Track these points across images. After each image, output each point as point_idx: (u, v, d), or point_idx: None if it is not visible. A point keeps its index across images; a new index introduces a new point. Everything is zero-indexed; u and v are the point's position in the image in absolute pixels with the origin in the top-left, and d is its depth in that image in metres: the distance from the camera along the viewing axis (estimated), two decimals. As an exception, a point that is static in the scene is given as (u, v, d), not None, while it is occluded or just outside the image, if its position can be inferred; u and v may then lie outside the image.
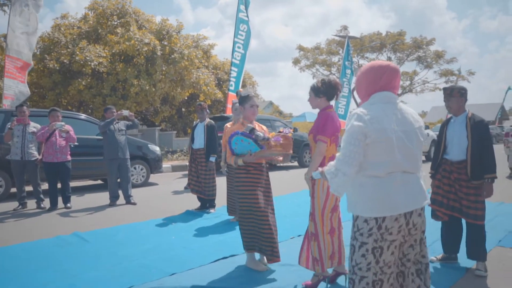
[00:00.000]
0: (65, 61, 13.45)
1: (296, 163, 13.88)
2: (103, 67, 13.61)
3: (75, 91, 13.49)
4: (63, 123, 6.54)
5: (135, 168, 9.01)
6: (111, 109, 6.98)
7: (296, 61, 30.66)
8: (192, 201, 6.73)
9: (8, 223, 5.67)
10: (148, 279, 3.41)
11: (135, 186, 8.65)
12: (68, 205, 6.66)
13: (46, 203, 6.71)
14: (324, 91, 3.10)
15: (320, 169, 2.27)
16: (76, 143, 7.07)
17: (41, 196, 6.71)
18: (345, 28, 29.58)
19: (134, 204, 6.94)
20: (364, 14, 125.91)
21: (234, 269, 3.63)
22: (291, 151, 3.60)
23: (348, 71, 18.44)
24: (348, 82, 18.50)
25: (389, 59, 29.94)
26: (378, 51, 30.04)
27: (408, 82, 31.79)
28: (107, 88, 13.75)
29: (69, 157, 6.67)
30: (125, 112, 6.78)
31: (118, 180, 7.13)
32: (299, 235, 4.67)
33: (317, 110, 3.21)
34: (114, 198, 6.97)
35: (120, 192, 7.07)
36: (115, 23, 15.06)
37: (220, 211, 6.12)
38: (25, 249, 4.31)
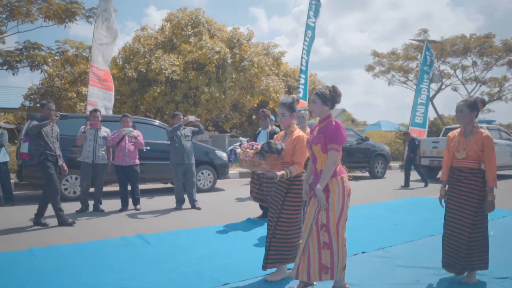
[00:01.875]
0: (142, 69, 14.23)
1: (367, 173, 13.24)
2: (176, 75, 14.17)
3: (151, 98, 14.20)
4: (131, 129, 6.82)
5: (202, 173, 9.18)
6: (178, 115, 7.15)
7: (369, 68, 29.56)
8: (254, 209, 6.64)
9: (79, 222, 6.00)
10: (201, 286, 3.34)
11: (201, 191, 8.79)
12: (138, 206, 6.92)
13: (103, 206, 6.93)
14: (331, 100, 3.09)
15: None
16: (147, 148, 7.32)
17: (101, 199, 6.93)
18: (424, 31, 27.90)
19: (199, 209, 7.02)
20: (447, 18, 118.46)
21: (291, 283, 3.43)
22: (257, 169, 3.46)
23: (426, 77, 17.27)
24: (427, 89, 17.33)
25: (474, 64, 27.65)
26: (461, 55, 27.90)
27: (497, 89, 29.11)
28: (180, 95, 14.28)
29: (137, 161, 6.93)
30: (191, 118, 6.90)
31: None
32: (363, 252, 4.33)
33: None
34: (179, 202, 7.12)
35: (185, 196, 7.19)
36: (189, 33, 15.64)
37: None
38: (92, 247, 4.49)
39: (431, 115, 26.26)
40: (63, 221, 5.72)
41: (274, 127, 6.25)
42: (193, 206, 7.09)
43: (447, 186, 3.69)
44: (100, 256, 4.19)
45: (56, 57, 10.70)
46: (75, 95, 15.17)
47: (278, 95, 16.93)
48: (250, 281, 3.49)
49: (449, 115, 35.71)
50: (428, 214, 6.45)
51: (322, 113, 3.11)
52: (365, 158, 12.49)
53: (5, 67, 10.40)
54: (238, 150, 3.59)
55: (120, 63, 15.59)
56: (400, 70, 29.36)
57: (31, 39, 10.16)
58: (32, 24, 10.96)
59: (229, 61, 14.71)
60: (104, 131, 6.97)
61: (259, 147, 3.44)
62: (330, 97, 3.08)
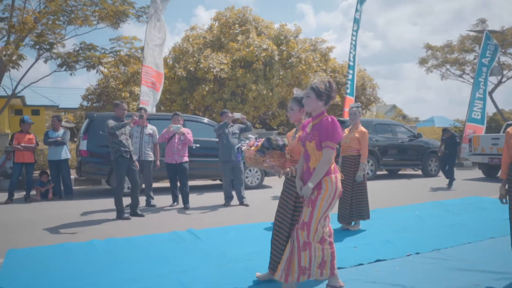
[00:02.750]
0: (191, 68, 14.57)
1: (419, 172, 12.74)
2: (224, 73, 14.38)
3: (199, 96, 14.52)
4: (179, 126, 6.97)
5: (249, 170, 9.25)
6: (226, 113, 7.25)
7: (422, 61, 28.30)
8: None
9: (134, 217, 6.26)
10: (252, 282, 3.37)
11: (249, 188, 8.86)
12: (187, 205, 7.10)
13: (155, 201, 7.20)
14: (326, 95, 2.97)
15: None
16: (197, 145, 7.45)
17: (151, 194, 7.21)
18: (482, 21, 26.27)
19: (247, 205, 7.08)
20: (507, 6, 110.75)
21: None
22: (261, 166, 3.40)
23: (485, 70, 16.26)
24: (484, 82, 16.32)
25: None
26: (526, 45, 25.99)
27: None
28: (228, 93, 14.47)
29: (186, 158, 7.09)
30: (237, 115, 6.94)
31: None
32: (417, 253, 4.16)
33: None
34: (228, 199, 7.22)
35: (234, 193, 7.29)
36: (237, 31, 15.80)
37: (330, 217, 5.83)
38: (146, 241, 4.67)
39: (490, 110, 24.73)
40: (121, 216, 6.03)
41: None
42: (241, 203, 7.17)
43: (507, 185, 3.46)
44: (154, 249, 4.35)
45: (110, 58, 11.21)
46: (128, 95, 15.84)
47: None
48: (299, 279, 3.46)
49: (510, 109, 33.46)
50: (488, 215, 6.08)
51: (316, 108, 2.98)
52: (417, 156, 12.02)
53: (63, 68, 11.07)
54: (244, 148, 3.56)
55: (170, 62, 16.08)
56: (455, 63, 27.89)
57: (86, 41, 10.70)
58: (90, 27, 11.51)
59: (276, 58, 14.70)
60: (150, 128, 7.21)
61: (259, 144, 3.40)
62: (325, 92, 2.96)
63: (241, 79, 14.32)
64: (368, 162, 10.59)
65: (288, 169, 3.22)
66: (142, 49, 11.00)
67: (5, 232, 5.22)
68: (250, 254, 4.14)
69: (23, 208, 7.05)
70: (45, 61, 11.04)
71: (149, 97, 11.16)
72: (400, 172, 13.23)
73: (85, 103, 17.98)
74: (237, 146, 6.78)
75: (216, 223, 5.67)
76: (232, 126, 7.19)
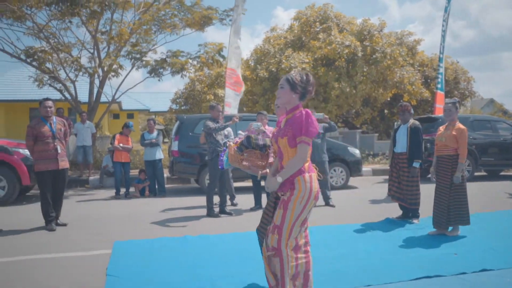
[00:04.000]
0: (273, 69, 14.71)
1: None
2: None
3: (282, 96, 14.61)
4: (260, 123, 7.03)
5: (334, 170, 9.07)
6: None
7: (526, 49, 25.33)
8: (393, 209, 6.29)
9: (222, 215, 6.48)
10: (341, 285, 3.29)
11: (334, 188, 8.69)
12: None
13: (236, 200, 7.36)
14: (302, 88, 2.71)
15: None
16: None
17: (234, 193, 7.36)
18: None
19: (333, 206, 6.96)
20: None
21: (441, 292, 3.14)
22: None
23: None
24: None
25: None
26: None
27: None
28: (310, 92, 14.37)
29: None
30: (319, 115, 6.80)
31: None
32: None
33: None
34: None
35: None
36: (318, 29, 15.61)
37: (424, 222, 5.49)
38: (234, 239, 4.80)
39: None
40: (211, 213, 6.31)
41: (415, 121, 5.81)
42: (327, 203, 7.06)
43: None
44: (242, 247, 4.45)
45: (194, 62, 11.82)
46: (212, 97, 16.51)
47: (413, 87, 15.78)
48: (395, 285, 3.30)
49: None
50: None
51: (290, 101, 2.73)
52: (507, 155, 10.80)
53: (152, 75, 11.95)
54: (229, 143, 3.32)
55: (252, 64, 16.40)
56: None
57: (174, 47, 11.44)
58: (177, 35, 12.22)
59: (360, 54, 14.24)
60: (226, 129, 7.38)
61: (239, 141, 3.17)
62: (300, 84, 2.70)
63: (323, 78, 14.11)
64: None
65: (280, 176, 2.71)
66: (221, 50, 11.37)
67: (111, 225, 5.74)
68: (340, 257, 4.05)
69: (125, 203, 7.69)
70: (137, 69, 12.01)
71: (232, 99, 11.48)
72: (502, 173, 12.02)
73: (174, 106, 19.14)
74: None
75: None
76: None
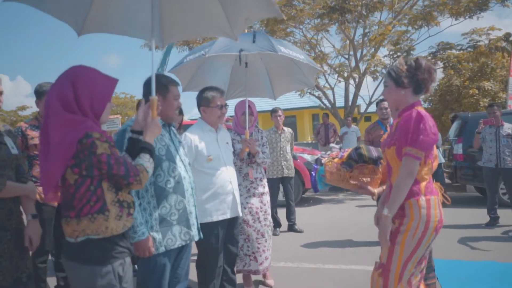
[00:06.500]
0: None
1: None
2: None
3: None
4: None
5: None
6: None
7: None
8: None
9: None
10: None
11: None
12: None
13: None
14: (410, 80, 2.07)
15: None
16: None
17: None
18: None
19: None
20: None
21: None
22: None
23: None
24: None
25: None
26: None
27: None
28: None
29: None
30: None
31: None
32: None
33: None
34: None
35: None
36: None
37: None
38: None
39: None
40: None
41: None
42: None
43: None
44: None
45: (466, 52, 10.37)
46: (476, 91, 14.38)
47: None
48: None
49: None
50: None
51: (399, 100, 2.14)
52: None
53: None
54: (324, 160, 2.75)
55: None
56: None
57: (433, 41, 10.36)
58: (438, 26, 11.11)
59: None
60: (508, 127, 5.82)
61: (345, 154, 2.66)
62: (407, 74, 2.07)
63: None
64: None
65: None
66: (510, 36, 9.51)
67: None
68: None
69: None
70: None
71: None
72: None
73: (425, 105, 17.73)
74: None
75: None
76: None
